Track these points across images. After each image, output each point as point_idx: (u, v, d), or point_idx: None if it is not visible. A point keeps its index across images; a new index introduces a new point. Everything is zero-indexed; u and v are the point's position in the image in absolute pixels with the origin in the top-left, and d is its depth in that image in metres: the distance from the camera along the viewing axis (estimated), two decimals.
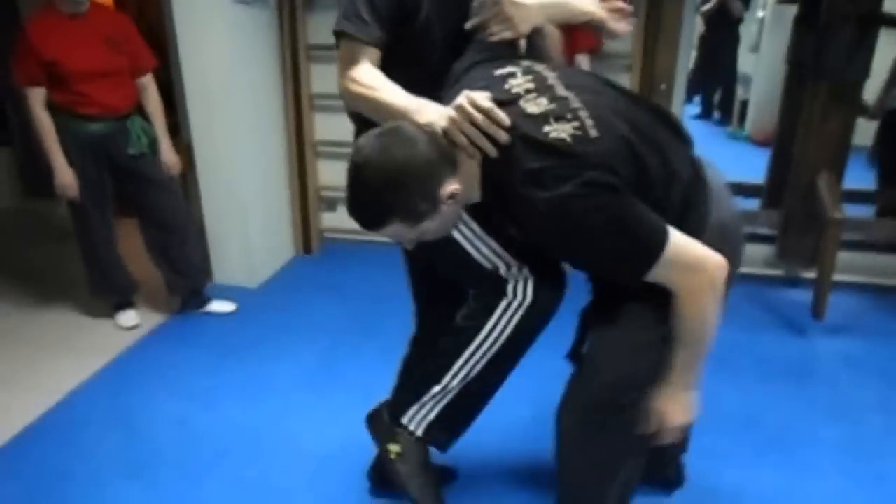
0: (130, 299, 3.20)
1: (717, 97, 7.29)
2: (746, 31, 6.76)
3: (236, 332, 3.09)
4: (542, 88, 1.34)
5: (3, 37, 4.00)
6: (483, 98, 1.28)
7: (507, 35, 1.48)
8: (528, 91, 1.33)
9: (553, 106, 1.29)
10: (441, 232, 1.40)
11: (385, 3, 1.49)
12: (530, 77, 1.37)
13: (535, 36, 1.54)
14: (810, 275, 3.28)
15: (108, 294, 3.15)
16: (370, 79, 1.48)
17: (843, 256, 3.13)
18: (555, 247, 1.39)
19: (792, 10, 3.57)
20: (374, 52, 1.51)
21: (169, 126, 3.07)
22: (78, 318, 3.24)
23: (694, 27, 3.33)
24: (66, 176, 2.80)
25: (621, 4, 1.57)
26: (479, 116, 1.26)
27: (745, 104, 6.80)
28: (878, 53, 3.01)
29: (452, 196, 1.31)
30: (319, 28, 3.55)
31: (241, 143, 3.32)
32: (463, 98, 1.29)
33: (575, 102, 1.30)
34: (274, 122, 3.60)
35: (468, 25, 1.53)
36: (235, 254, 3.46)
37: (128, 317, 3.15)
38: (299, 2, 3.47)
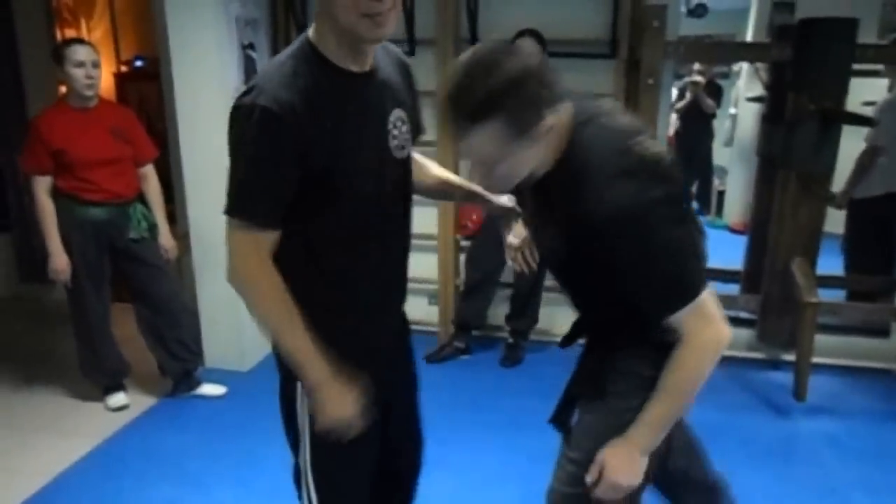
0: (121, 381, 3.22)
1: (694, 188, 7.56)
2: (720, 126, 7.08)
3: (227, 415, 3.10)
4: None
5: (9, 128, 4.20)
6: None
7: None
8: None
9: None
10: (509, 178, 1.31)
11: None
12: None
13: None
14: (790, 357, 3.37)
15: (100, 375, 3.17)
16: (275, 278, 1.34)
17: (821, 339, 3.23)
18: (601, 251, 1.28)
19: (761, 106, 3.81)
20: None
21: (167, 214, 3.19)
22: (67, 400, 3.24)
23: (668, 124, 3.53)
24: (59, 261, 2.88)
25: None
26: None
27: (721, 194, 7.08)
28: (846, 144, 3.20)
29: (550, 130, 1.25)
30: None
31: None
32: None
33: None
34: None
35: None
36: (227, 337, 3.51)
37: (117, 398, 3.16)
38: None
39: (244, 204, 1.30)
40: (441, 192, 1.75)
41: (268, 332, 1.37)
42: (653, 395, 1.36)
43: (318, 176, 1.29)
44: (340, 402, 1.39)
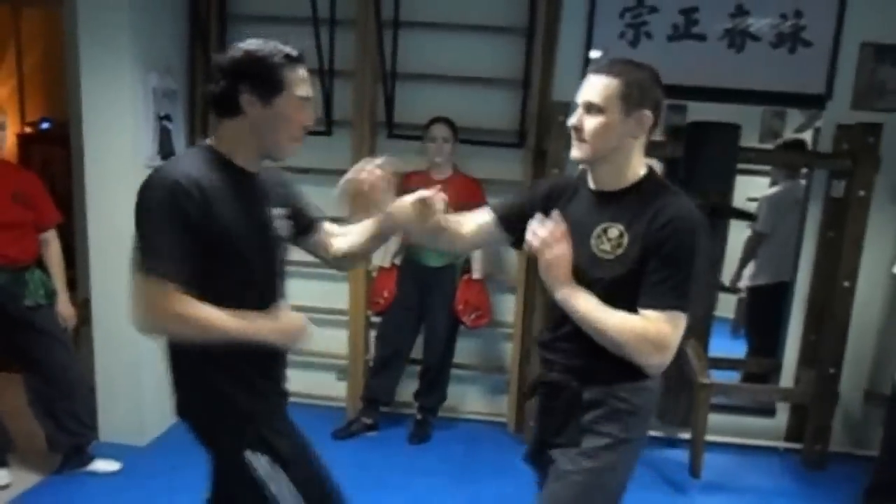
0: (4, 457, 3.01)
1: None
2: None
3: (120, 495, 2.94)
4: None
5: None
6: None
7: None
8: None
9: None
10: (605, 143, 1.60)
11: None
12: None
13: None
14: (686, 435, 3.52)
15: None
16: (195, 308, 1.50)
17: (714, 418, 3.41)
18: (655, 247, 1.56)
19: None
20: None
21: (67, 280, 3.09)
22: None
23: None
24: None
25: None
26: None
27: None
28: (733, 237, 3.47)
29: (643, 122, 1.60)
30: None
31: None
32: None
33: None
34: None
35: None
36: (125, 411, 3.36)
37: None
38: None
39: (155, 262, 1.47)
40: (361, 245, 1.88)
41: (215, 338, 1.52)
42: (610, 311, 1.58)
43: (213, 242, 1.53)
44: (290, 322, 1.64)
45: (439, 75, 3.59)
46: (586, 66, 3.49)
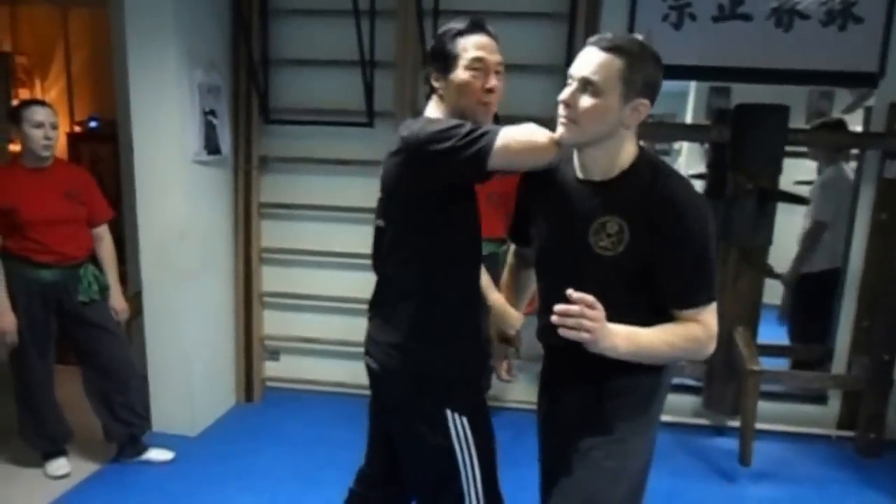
0: (63, 447, 3.11)
1: None
2: None
3: (173, 482, 3.01)
4: None
5: None
6: None
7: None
8: None
9: None
10: (598, 127, 1.52)
11: None
12: None
13: None
14: (735, 423, 3.46)
15: (41, 440, 3.06)
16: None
17: (764, 406, 3.35)
18: (671, 236, 1.49)
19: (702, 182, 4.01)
20: None
21: (118, 275, 3.16)
22: (4, 467, 3.10)
23: None
24: (6, 322, 2.81)
25: None
26: None
27: None
28: (781, 220, 3.39)
29: (639, 111, 1.51)
30: (271, 187, 3.81)
31: (190, 293, 3.40)
32: None
33: None
34: (223, 274, 3.71)
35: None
36: (176, 401, 3.44)
37: (58, 465, 3.04)
38: (254, 163, 3.72)
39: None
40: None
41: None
42: (654, 330, 1.51)
43: None
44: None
45: None
46: None
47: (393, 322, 1.73)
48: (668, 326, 1.52)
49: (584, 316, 1.38)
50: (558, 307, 1.39)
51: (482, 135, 1.56)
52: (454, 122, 1.61)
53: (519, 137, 1.58)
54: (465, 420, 1.70)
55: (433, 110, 1.73)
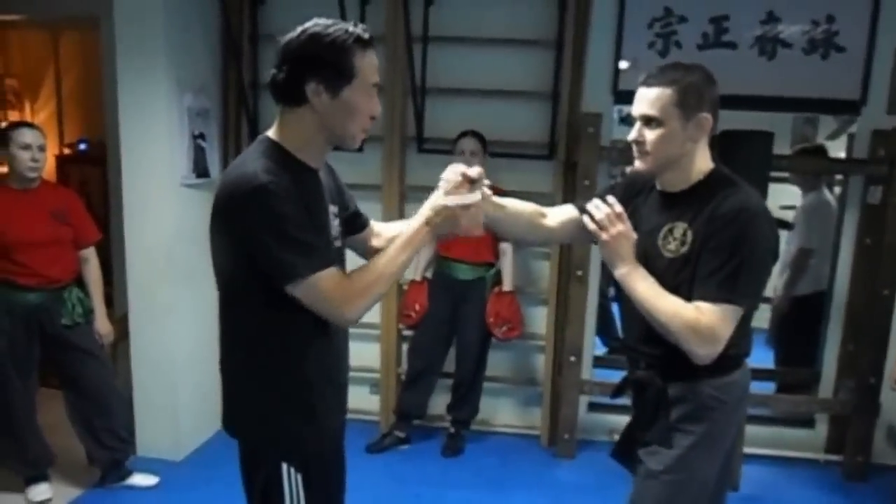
0: (45, 471, 3.06)
1: None
2: None
3: None
4: None
5: None
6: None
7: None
8: None
9: None
10: (668, 152, 1.64)
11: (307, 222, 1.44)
12: None
13: None
14: None
15: (22, 465, 3.01)
16: (359, 271, 1.49)
17: (751, 430, 3.35)
18: (724, 240, 1.58)
19: None
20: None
21: (104, 297, 3.14)
22: None
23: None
24: None
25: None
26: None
27: None
28: None
29: (702, 125, 1.64)
30: None
31: (177, 315, 3.38)
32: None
33: None
34: (210, 297, 3.68)
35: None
36: (161, 425, 3.40)
37: (40, 490, 3.00)
38: None
39: (306, 261, 1.40)
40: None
41: (398, 274, 1.53)
42: (661, 290, 1.62)
43: None
44: (458, 207, 1.56)
45: (468, 89, 3.60)
46: (616, 76, 3.50)
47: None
48: (680, 302, 1.60)
49: (609, 217, 1.64)
50: (596, 200, 1.70)
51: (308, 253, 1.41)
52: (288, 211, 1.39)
53: (336, 289, 1.43)
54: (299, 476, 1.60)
55: (292, 129, 1.49)
